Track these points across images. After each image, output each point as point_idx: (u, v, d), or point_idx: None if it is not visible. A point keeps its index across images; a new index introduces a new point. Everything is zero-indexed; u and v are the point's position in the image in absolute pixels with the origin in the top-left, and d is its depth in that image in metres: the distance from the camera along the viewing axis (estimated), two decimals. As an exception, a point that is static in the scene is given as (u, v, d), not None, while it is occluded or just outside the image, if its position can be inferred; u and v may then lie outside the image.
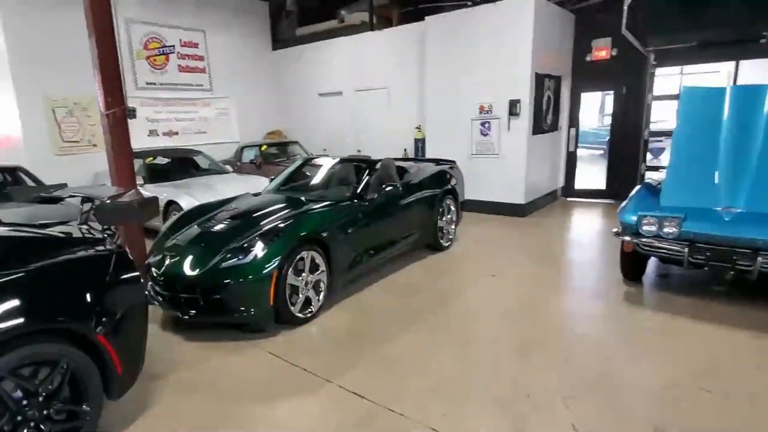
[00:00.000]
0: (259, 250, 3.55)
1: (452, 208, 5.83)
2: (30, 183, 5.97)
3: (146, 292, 3.92)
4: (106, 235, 2.76)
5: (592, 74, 8.22)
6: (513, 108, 7.11)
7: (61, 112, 7.55)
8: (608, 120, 14.48)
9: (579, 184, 8.69)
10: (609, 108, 14.95)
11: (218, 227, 4.06)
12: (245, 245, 3.61)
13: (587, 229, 6.85)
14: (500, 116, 7.27)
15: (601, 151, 14.17)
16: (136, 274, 2.63)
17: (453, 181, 5.85)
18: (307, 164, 5.56)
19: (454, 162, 6.27)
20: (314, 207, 4.26)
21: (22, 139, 7.31)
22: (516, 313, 3.95)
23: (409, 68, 8.54)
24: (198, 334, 3.71)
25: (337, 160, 5.30)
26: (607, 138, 13.80)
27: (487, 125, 7.46)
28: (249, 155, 8.73)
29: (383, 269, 4.94)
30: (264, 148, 8.75)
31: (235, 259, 3.53)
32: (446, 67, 7.68)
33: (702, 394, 2.73)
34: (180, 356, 3.42)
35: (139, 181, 6.61)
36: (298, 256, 3.70)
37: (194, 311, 3.56)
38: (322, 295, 3.96)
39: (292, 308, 3.68)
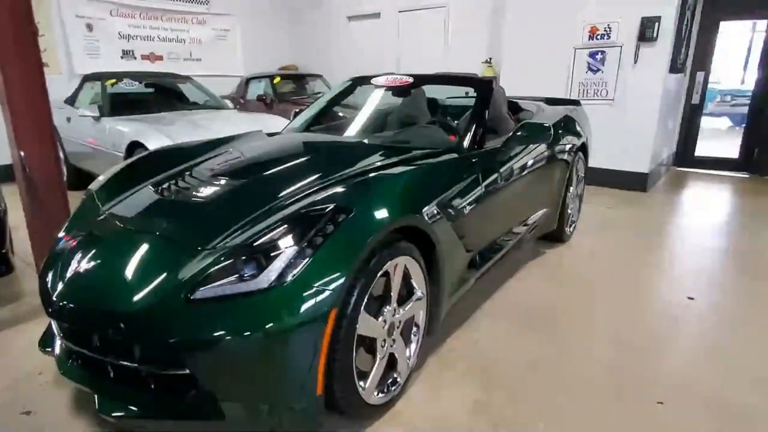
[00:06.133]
0: (287, 257, 1.43)
1: (581, 174, 3.68)
2: None
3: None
4: None
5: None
6: (647, 30, 4.81)
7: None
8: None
9: (700, 150, 6.43)
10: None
11: (195, 194, 1.94)
12: (255, 245, 1.49)
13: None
14: (622, 43, 4.99)
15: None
16: None
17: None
18: (361, 88, 3.25)
19: (577, 102, 4.04)
20: (401, 161, 2.10)
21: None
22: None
23: (481, -23, 6.16)
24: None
25: (414, 80, 3.04)
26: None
27: (599, 56, 5.18)
28: (257, 90, 6.48)
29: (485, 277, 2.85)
30: (277, 80, 6.48)
31: (232, 278, 1.43)
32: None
33: None
34: None
35: (94, 112, 4.45)
36: (381, 270, 1.59)
37: (126, 401, 1.48)
38: (414, 347, 1.89)
39: (362, 389, 1.60)
